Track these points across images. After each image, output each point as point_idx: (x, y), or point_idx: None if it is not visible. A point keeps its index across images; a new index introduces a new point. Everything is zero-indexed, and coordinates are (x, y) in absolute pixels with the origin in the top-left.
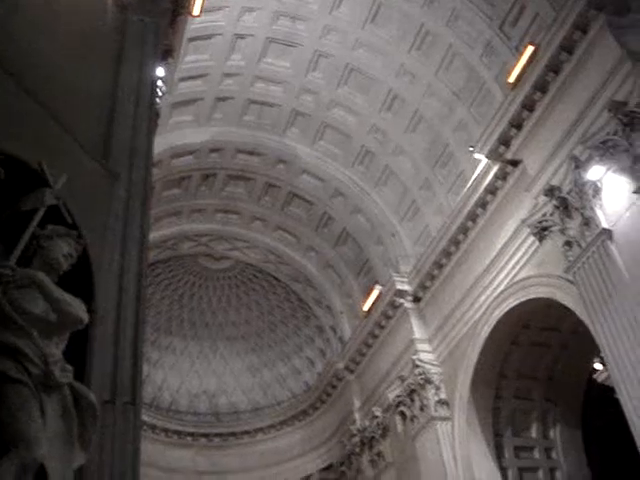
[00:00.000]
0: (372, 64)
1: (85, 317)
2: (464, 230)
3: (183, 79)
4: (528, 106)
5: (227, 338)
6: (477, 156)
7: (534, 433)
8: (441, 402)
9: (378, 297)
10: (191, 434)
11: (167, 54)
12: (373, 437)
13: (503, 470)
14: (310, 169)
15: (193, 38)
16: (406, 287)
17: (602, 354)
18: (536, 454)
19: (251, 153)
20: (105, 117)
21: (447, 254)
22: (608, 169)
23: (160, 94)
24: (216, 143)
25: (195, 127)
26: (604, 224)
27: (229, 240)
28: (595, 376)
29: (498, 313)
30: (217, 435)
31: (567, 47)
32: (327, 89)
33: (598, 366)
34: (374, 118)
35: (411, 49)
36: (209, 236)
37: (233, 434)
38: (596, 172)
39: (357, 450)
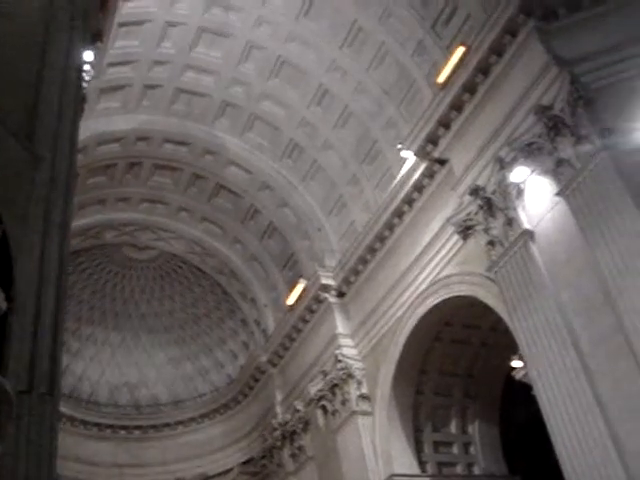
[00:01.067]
0: (304, 58)
1: (3, 305)
2: (390, 227)
3: (112, 64)
4: (457, 106)
5: (149, 329)
6: (405, 154)
7: (453, 429)
8: (363, 397)
9: (303, 291)
10: (111, 426)
11: (96, 38)
12: (294, 431)
13: (422, 464)
14: (238, 161)
15: (124, 23)
16: (331, 282)
17: (521, 352)
18: (455, 449)
19: (179, 143)
20: (30, 100)
21: (372, 250)
22: (532, 171)
23: (88, 79)
24: (143, 131)
25: (122, 114)
26: (526, 225)
27: (154, 230)
28: (513, 373)
29: (421, 310)
30: (137, 427)
31: (497, 50)
32: (258, 81)
33: (517, 363)
34: (304, 112)
35: (343, 45)
36: (134, 225)
37: (153, 426)
38: (520, 174)
39: (278, 444)
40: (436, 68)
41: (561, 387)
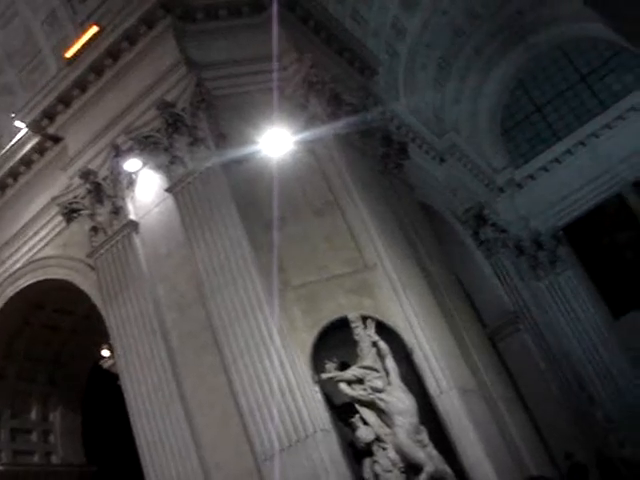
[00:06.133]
0: None
1: None
2: None
3: None
4: (81, 85)
5: None
6: (18, 124)
7: (34, 416)
8: None
9: None
10: None
11: None
12: None
13: None
14: None
15: None
16: None
17: (111, 341)
18: (34, 437)
19: None
20: None
21: None
22: (145, 164)
23: None
24: None
25: None
26: (132, 216)
27: None
28: (102, 362)
29: (11, 290)
30: None
31: (130, 37)
32: None
33: (106, 353)
34: None
35: None
36: None
37: None
38: (134, 164)
39: None
40: (66, 43)
41: (147, 379)
